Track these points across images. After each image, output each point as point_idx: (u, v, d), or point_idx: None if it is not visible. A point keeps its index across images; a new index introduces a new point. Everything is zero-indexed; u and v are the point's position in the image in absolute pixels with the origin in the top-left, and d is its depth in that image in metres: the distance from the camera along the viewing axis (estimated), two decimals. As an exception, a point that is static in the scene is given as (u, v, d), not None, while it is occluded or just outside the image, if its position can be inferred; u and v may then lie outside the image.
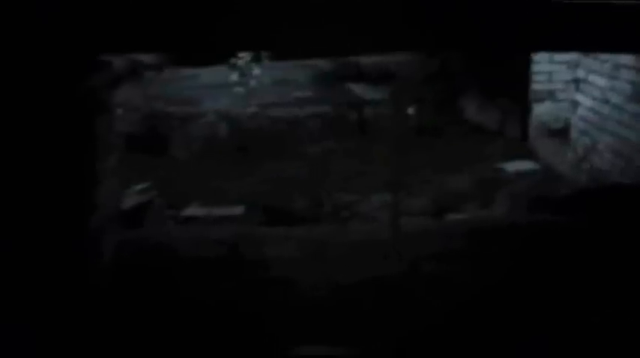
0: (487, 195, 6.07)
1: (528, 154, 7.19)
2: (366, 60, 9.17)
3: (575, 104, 6.36)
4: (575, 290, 3.78)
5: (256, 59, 8.99)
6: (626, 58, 5.42)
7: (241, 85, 8.90)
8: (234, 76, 9.02)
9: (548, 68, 7.30)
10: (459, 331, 1.98)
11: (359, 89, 9.15)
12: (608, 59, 5.67)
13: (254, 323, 3.08)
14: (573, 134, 6.39)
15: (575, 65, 6.47)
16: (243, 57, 8.94)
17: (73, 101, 3.38)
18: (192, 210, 5.83)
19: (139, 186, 5.75)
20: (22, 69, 3.16)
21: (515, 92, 7.58)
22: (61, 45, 3.07)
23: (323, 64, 9.68)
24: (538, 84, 7.37)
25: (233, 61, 8.96)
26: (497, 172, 6.80)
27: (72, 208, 3.45)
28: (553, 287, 3.81)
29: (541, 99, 7.39)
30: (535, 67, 7.32)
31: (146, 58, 9.34)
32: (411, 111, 8.47)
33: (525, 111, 7.50)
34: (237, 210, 5.68)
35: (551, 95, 7.38)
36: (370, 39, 3.24)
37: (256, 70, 9.06)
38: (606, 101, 5.76)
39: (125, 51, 4.63)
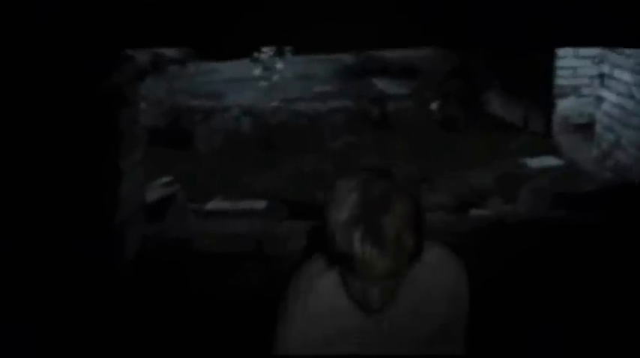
0: (510, 190, 6.05)
1: (552, 150, 7.15)
2: (390, 54, 9.16)
3: (599, 99, 6.31)
4: (593, 285, 3.77)
5: (279, 53, 9.01)
6: (651, 53, 5.38)
7: (264, 80, 8.93)
8: (258, 71, 9.05)
9: (572, 63, 7.26)
10: (476, 320, 2.00)
11: (382, 83, 9.14)
12: (633, 54, 5.63)
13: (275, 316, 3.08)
14: (598, 129, 6.35)
15: (600, 60, 6.42)
16: (267, 51, 8.97)
17: (97, 96, 3.40)
18: (215, 204, 5.85)
19: (162, 180, 5.79)
20: (48, 65, 3.18)
21: (539, 87, 7.54)
22: (86, 40, 3.09)
23: (346, 58, 9.69)
24: (562, 79, 7.33)
25: (256, 55, 8.99)
26: (521, 167, 6.77)
27: (97, 203, 3.47)
28: (571, 282, 3.81)
29: (565, 95, 7.35)
30: (559, 62, 7.27)
31: (169, 51, 9.40)
32: (434, 106, 8.46)
33: (549, 106, 7.45)
34: (260, 204, 5.69)
35: (575, 90, 7.34)
36: (392, 33, 3.24)
37: (279, 65, 9.08)
38: (631, 96, 5.72)
39: (149, 45, 4.65)
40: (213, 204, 5.84)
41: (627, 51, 5.71)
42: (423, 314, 1.87)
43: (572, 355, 3.32)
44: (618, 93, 5.94)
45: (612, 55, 6.02)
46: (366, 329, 1.83)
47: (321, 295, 1.82)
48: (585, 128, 6.93)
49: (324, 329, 1.81)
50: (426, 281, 1.86)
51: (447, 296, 1.91)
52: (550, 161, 6.87)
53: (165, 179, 5.84)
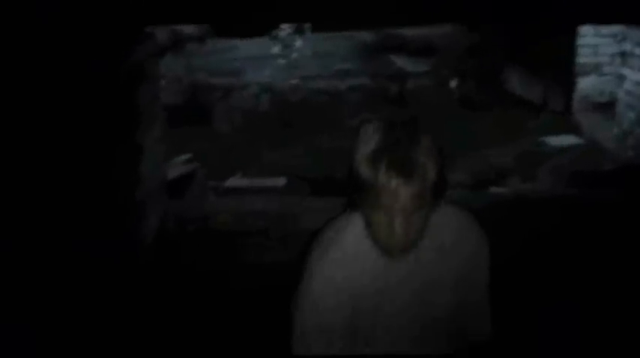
0: (529, 169, 6.03)
1: (572, 128, 7.10)
2: (409, 32, 9.10)
3: (621, 78, 6.26)
4: (612, 263, 3.77)
5: (298, 31, 8.98)
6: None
7: (283, 57, 8.91)
8: (277, 48, 9.03)
9: (593, 41, 7.17)
10: (494, 296, 2.01)
11: (401, 61, 9.10)
12: (656, 32, 5.58)
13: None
14: (619, 108, 6.30)
15: (621, 38, 6.35)
16: (286, 29, 8.94)
17: (118, 73, 3.41)
18: (234, 181, 5.86)
19: (181, 157, 5.81)
20: (70, 42, 3.19)
21: (560, 65, 7.48)
22: (108, 18, 3.10)
23: (365, 35, 9.64)
24: (583, 57, 7.25)
25: (275, 32, 8.96)
26: (540, 146, 6.73)
27: (117, 180, 3.49)
28: (590, 260, 3.80)
29: (586, 73, 7.28)
30: (580, 40, 7.20)
31: (188, 29, 9.38)
32: (453, 83, 8.42)
33: (569, 84, 7.39)
34: (280, 181, 5.70)
35: (596, 68, 7.27)
36: (411, 10, 3.22)
37: (298, 42, 9.06)
38: (653, 75, 5.67)
39: (169, 22, 4.65)
40: (232, 182, 5.85)
41: (650, 29, 5.66)
42: (444, 268, 1.88)
43: (588, 332, 3.32)
44: (640, 72, 5.89)
45: (634, 33, 5.96)
46: (388, 280, 1.83)
47: (345, 247, 1.84)
48: (606, 107, 6.87)
49: (347, 281, 1.82)
50: (448, 242, 1.88)
51: (468, 260, 1.92)
52: (570, 140, 6.82)
53: (185, 156, 5.86)
